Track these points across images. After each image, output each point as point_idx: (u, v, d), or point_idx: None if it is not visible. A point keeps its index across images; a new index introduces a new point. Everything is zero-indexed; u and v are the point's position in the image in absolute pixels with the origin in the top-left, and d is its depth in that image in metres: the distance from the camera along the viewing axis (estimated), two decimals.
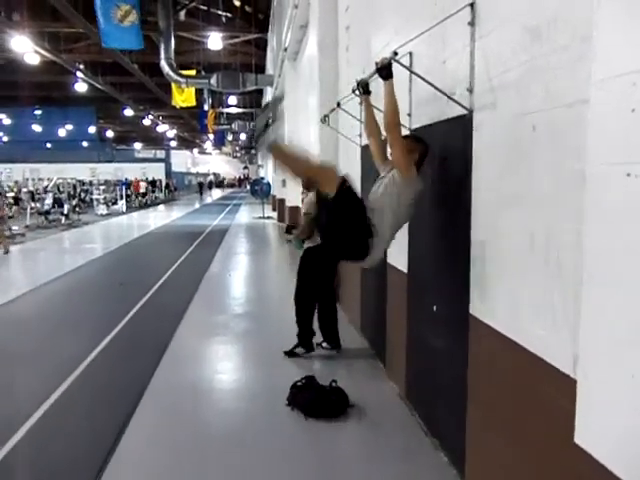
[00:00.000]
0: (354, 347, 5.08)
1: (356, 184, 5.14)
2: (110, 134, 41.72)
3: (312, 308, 4.87)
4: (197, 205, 30.46)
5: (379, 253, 2.98)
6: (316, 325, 4.93)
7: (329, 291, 4.98)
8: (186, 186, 50.56)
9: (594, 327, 1.63)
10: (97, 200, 23.99)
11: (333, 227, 2.92)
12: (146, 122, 31.07)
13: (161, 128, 34.58)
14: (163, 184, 38.25)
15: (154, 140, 44.77)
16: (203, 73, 17.07)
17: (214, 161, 64.46)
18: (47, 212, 17.95)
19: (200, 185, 43.90)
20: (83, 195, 26.37)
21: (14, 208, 19.81)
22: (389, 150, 3.02)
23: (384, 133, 3.04)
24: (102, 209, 22.92)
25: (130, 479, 2.99)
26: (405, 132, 3.42)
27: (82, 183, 29.91)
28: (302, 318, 4.84)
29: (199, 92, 22.05)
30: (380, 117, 3.07)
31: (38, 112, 34.96)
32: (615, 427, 1.55)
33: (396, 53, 2.73)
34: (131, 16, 11.03)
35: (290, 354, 4.78)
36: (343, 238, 2.90)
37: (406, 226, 3.64)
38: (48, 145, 38.90)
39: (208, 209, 26.86)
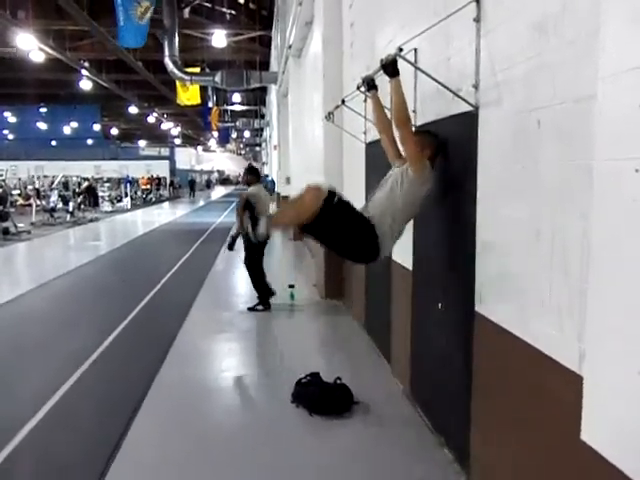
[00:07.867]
0: (359, 344, 5.08)
1: (360, 181, 5.20)
2: (115, 131, 41.79)
3: (260, 274, 6.34)
4: (201, 202, 30.46)
5: (388, 249, 3.01)
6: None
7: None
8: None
9: (600, 324, 1.62)
10: (102, 197, 24.06)
11: (335, 239, 2.94)
12: (150, 119, 31.09)
13: (165, 125, 34.58)
14: (167, 182, 38.21)
15: (158, 138, 44.81)
16: (207, 70, 17.08)
17: (218, 158, 64.49)
18: (52, 209, 18.01)
19: (191, 183, 36.41)
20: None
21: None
22: (401, 147, 3.01)
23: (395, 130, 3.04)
24: (107, 206, 23.00)
25: (135, 474, 3.01)
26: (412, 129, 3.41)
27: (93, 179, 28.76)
28: (256, 283, 6.34)
29: (203, 90, 22.06)
30: (388, 114, 3.06)
31: (43, 110, 35.15)
32: (622, 424, 1.54)
33: (401, 49, 2.71)
34: (149, 13, 10.94)
35: (251, 309, 6.24)
36: (347, 246, 2.94)
37: (411, 223, 3.64)
38: (53, 142, 39.04)
39: (212, 207, 26.85)
